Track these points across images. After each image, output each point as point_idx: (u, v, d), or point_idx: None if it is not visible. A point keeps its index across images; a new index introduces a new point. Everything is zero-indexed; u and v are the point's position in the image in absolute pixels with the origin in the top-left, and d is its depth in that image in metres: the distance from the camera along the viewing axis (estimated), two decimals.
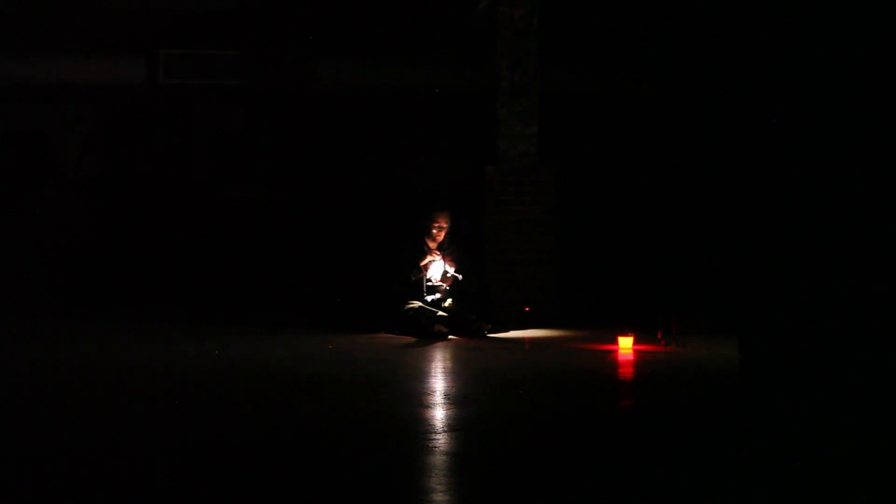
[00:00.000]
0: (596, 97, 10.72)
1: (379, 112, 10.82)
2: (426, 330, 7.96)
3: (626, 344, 7.20)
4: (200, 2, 10.72)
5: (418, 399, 5.34)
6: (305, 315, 9.43)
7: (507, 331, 8.48)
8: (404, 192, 10.49)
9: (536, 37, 9.38)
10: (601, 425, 4.85)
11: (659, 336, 7.73)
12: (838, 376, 4.35)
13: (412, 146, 10.81)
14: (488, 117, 9.67)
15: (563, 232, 9.43)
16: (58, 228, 10.41)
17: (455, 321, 8.12)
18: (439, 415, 4.95)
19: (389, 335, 8.15)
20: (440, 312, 8.15)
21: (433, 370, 6.53)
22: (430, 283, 8.28)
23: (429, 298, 8.27)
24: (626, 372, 6.46)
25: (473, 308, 8.29)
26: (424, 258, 8.30)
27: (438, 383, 5.99)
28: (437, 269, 8.29)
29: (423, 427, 4.66)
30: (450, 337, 8.01)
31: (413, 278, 8.29)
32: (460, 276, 8.27)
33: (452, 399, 5.36)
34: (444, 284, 8.26)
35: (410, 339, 7.88)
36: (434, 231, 8.39)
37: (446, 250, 8.38)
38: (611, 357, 6.97)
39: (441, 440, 4.36)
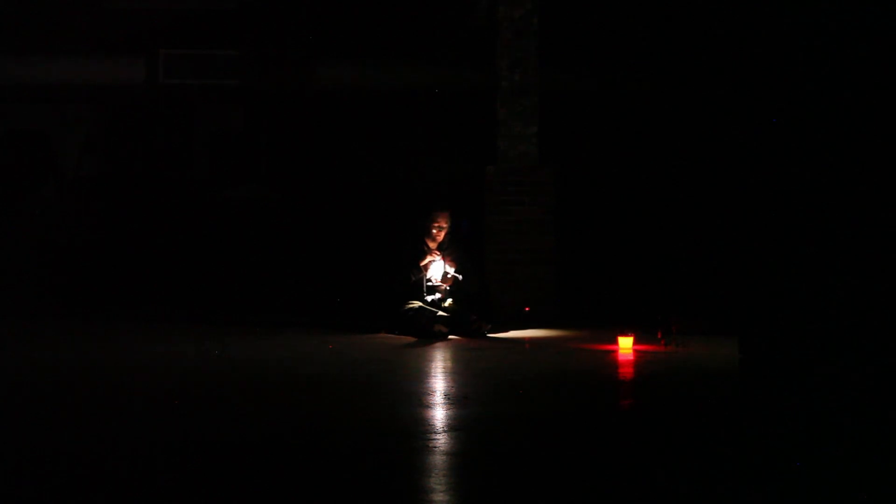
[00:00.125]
0: (596, 97, 10.71)
1: (379, 112, 10.81)
2: (426, 330, 7.95)
3: (626, 344, 7.20)
4: (200, 2, 10.72)
5: (418, 399, 5.34)
6: (305, 315, 9.43)
7: (507, 331, 8.48)
8: (404, 192, 10.49)
9: (536, 37, 9.38)
10: (601, 425, 4.85)
11: (659, 336, 7.73)
12: (838, 376, 4.35)
13: (412, 146, 10.81)
14: (488, 117, 9.67)
15: (563, 232, 9.43)
16: (58, 228, 10.41)
17: (455, 321, 8.12)
18: (439, 415, 4.95)
19: (389, 335, 8.15)
20: (440, 312, 8.15)
21: (433, 370, 6.53)
22: (430, 283, 8.28)
23: (429, 298, 8.27)
24: (626, 372, 6.46)
25: (473, 308, 8.29)
26: (424, 258, 8.30)
27: (438, 383, 5.99)
28: (437, 269, 8.29)
29: (423, 427, 4.65)
30: (450, 337, 8.01)
31: (413, 278, 8.29)
32: (460, 277, 8.27)
33: (452, 399, 5.36)
34: (444, 285, 8.26)
35: (410, 339, 7.88)
36: (434, 231, 8.39)
37: (446, 250, 8.38)
38: (611, 357, 6.96)
39: (441, 440, 4.36)
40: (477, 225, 9.54)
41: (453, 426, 4.67)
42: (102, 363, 6.73)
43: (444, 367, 6.65)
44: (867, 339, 4.24)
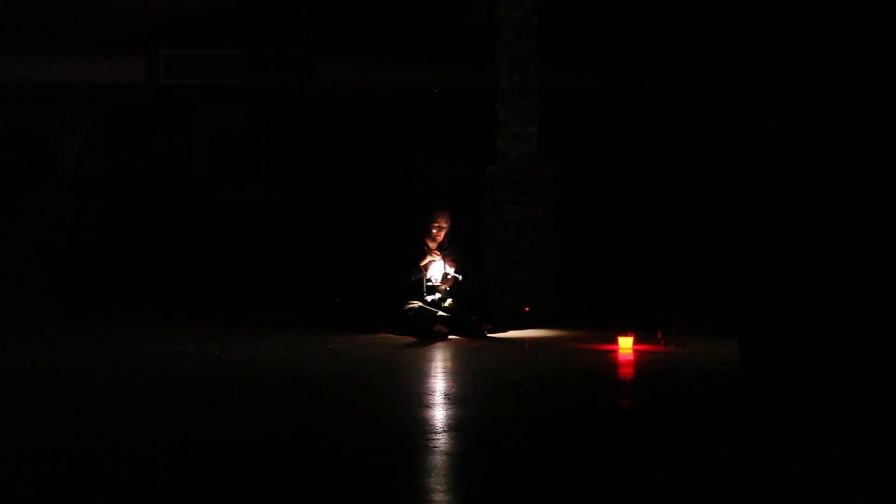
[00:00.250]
0: (596, 97, 10.71)
1: (379, 112, 10.81)
2: (426, 330, 7.96)
3: (626, 344, 7.20)
4: (200, 2, 10.72)
5: (418, 399, 5.34)
6: (305, 315, 9.43)
7: (506, 331, 8.48)
8: (404, 192, 10.49)
9: (536, 37, 9.39)
10: (601, 425, 4.85)
11: (659, 336, 7.73)
12: (838, 376, 4.35)
13: (412, 146, 10.81)
14: (488, 117, 9.67)
15: (563, 232, 9.43)
16: (58, 228, 10.41)
17: (455, 321, 8.12)
18: (439, 415, 4.95)
19: (389, 335, 8.15)
20: (440, 312, 8.15)
21: (433, 370, 6.53)
22: (430, 283, 8.28)
23: (429, 298, 8.27)
24: (626, 372, 6.46)
25: (473, 308, 8.29)
26: (424, 258, 8.30)
27: (438, 383, 5.99)
28: (437, 269, 8.29)
29: (423, 427, 4.65)
30: (450, 337, 8.01)
31: (413, 278, 8.29)
32: (460, 277, 8.27)
33: (452, 399, 5.36)
34: (445, 285, 8.26)
35: (410, 339, 7.88)
36: (434, 231, 8.39)
37: (446, 250, 8.38)
38: (611, 357, 6.96)
39: (441, 440, 4.36)
40: (477, 225, 9.54)
41: (453, 426, 4.67)
42: (102, 363, 6.73)
43: (444, 367, 6.65)
44: (867, 339, 4.24)
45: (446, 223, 8.42)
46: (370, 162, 10.82)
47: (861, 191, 4.28)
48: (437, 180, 10.48)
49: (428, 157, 10.75)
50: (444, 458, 4.09)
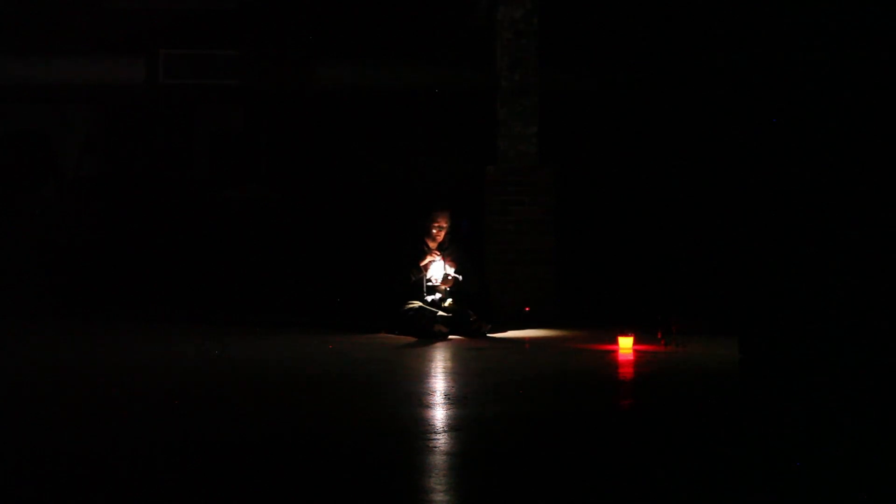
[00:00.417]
0: (596, 97, 10.71)
1: (379, 112, 10.81)
2: (426, 330, 7.96)
3: (626, 344, 7.20)
4: (200, 2, 10.72)
5: (418, 399, 5.34)
6: (305, 315, 9.43)
7: (506, 331, 8.48)
8: (404, 192, 10.49)
9: (536, 37, 9.38)
10: (601, 425, 4.85)
11: (659, 336, 7.73)
12: (838, 376, 4.35)
13: (412, 146, 10.81)
14: (488, 117, 9.67)
15: (563, 232, 9.43)
16: (58, 228, 10.41)
17: (455, 321, 8.12)
18: (439, 415, 4.95)
19: (389, 335, 8.15)
20: (440, 312, 8.15)
21: (433, 370, 6.53)
22: (430, 284, 8.28)
23: (429, 298, 8.27)
24: (626, 372, 6.46)
25: (473, 308, 8.29)
26: (424, 258, 8.30)
27: (438, 383, 5.99)
28: (437, 269, 8.29)
29: (423, 427, 4.65)
30: (450, 337, 8.01)
31: (413, 278, 8.29)
32: (460, 277, 8.26)
33: (452, 399, 5.36)
34: (445, 286, 8.25)
35: (410, 339, 7.88)
36: (434, 231, 8.39)
37: (446, 250, 8.38)
38: (611, 357, 6.96)
39: (441, 440, 4.36)
40: (477, 225, 9.54)
41: (453, 426, 4.67)
42: (102, 363, 6.73)
43: (444, 367, 6.65)
44: (867, 339, 4.24)
45: (446, 223, 8.42)
46: (370, 162, 10.82)
47: (861, 191, 4.28)
48: (437, 180, 10.48)
49: (428, 157, 10.75)
50: (444, 458, 4.09)
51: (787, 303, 4.61)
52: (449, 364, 6.80)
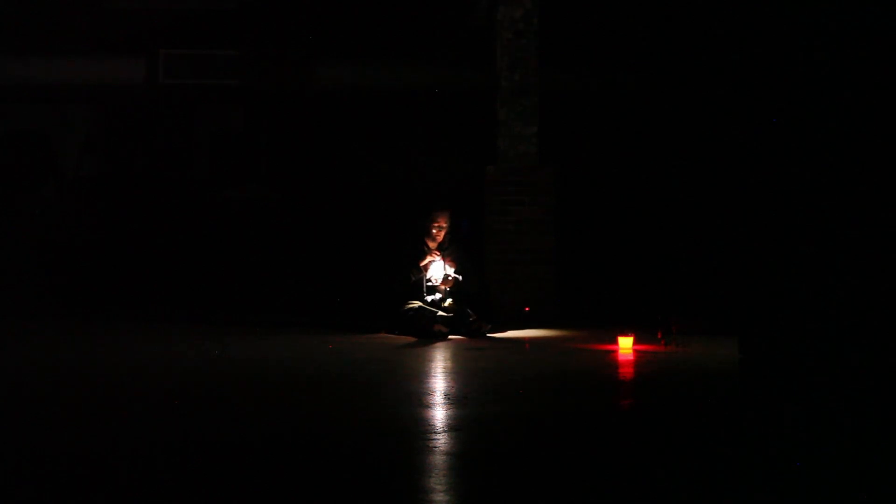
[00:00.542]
0: (596, 97, 10.71)
1: (379, 112, 10.82)
2: (426, 330, 7.96)
3: (626, 344, 7.20)
4: (200, 2, 10.72)
5: (418, 399, 5.34)
6: (305, 315, 9.43)
7: (506, 331, 8.48)
8: (404, 192, 10.49)
9: (536, 37, 9.38)
10: (601, 425, 4.85)
11: (659, 336, 7.73)
12: (838, 376, 4.35)
13: (412, 146, 10.81)
14: (488, 117, 9.67)
15: (563, 232, 9.43)
16: (58, 228, 10.41)
17: (455, 321, 8.12)
18: (439, 415, 4.95)
19: (389, 335, 8.15)
20: (440, 312, 8.15)
21: (433, 370, 6.53)
22: (429, 284, 8.28)
23: (429, 298, 8.27)
24: (626, 372, 6.46)
25: (473, 308, 8.29)
26: (424, 258, 8.30)
27: (438, 383, 5.99)
28: (436, 269, 8.29)
29: (423, 427, 4.65)
30: (450, 337, 8.01)
31: (413, 278, 8.29)
32: (460, 278, 8.26)
33: (452, 399, 5.36)
34: (445, 286, 8.25)
35: (410, 339, 7.88)
36: (434, 231, 8.39)
37: (446, 250, 8.38)
38: (611, 357, 6.96)
39: (441, 440, 4.36)
40: (477, 225, 9.54)
41: (453, 426, 4.67)
42: (102, 363, 6.73)
43: (444, 367, 6.65)
44: (867, 339, 4.24)
45: (446, 223, 8.42)
46: (370, 162, 10.82)
47: (861, 191, 4.28)
48: (437, 180, 10.48)
49: (428, 157, 10.75)
50: (444, 458, 4.09)
51: (787, 303, 4.61)
52: (449, 364, 6.80)
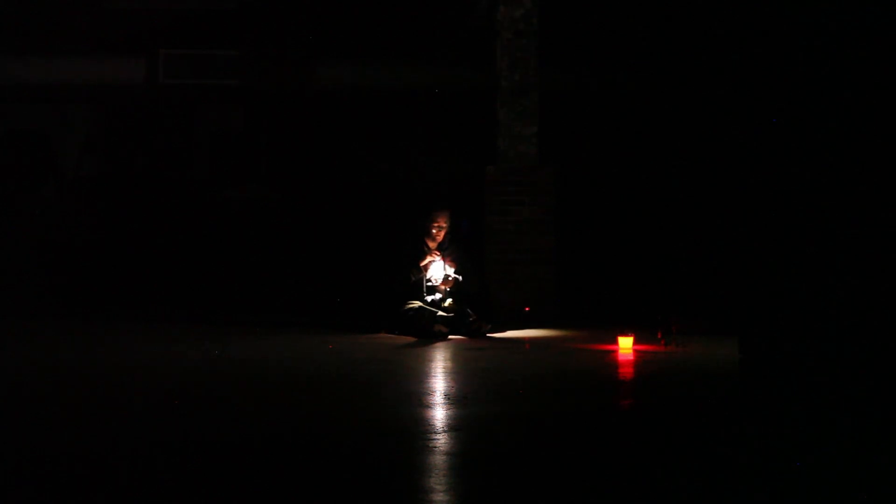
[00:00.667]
0: (596, 97, 10.71)
1: (379, 112, 10.81)
2: (426, 330, 7.96)
3: (626, 344, 7.20)
4: (200, 2, 10.72)
5: (418, 399, 5.34)
6: (305, 315, 9.43)
7: (506, 331, 8.48)
8: (404, 192, 10.49)
9: (536, 37, 9.38)
10: (601, 425, 4.85)
11: (659, 336, 7.73)
12: (838, 376, 4.35)
13: (412, 146, 10.81)
14: (488, 117, 9.66)
15: (563, 232, 9.42)
16: (58, 228, 10.41)
17: (455, 321, 8.12)
18: (439, 415, 4.95)
19: (389, 335, 8.15)
20: (440, 312, 8.15)
21: (433, 370, 6.53)
22: (430, 284, 8.28)
23: (429, 298, 8.27)
24: (626, 372, 6.46)
25: (473, 308, 8.29)
26: (424, 258, 8.30)
27: (438, 383, 5.99)
28: (436, 269, 8.29)
29: (423, 427, 4.65)
30: (450, 337, 8.01)
31: (413, 278, 8.29)
32: (460, 278, 8.26)
33: (452, 399, 5.36)
34: (445, 286, 8.25)
35: (410, 339, 7.88)
36: (434, 231, 8.39)
37: (446, 250, 8.38)
38: (611, 357, 6.96)
39: (441, 440, 4.36)
40: (477, 225, 9.54)
41: (453, 426, 4.67)
42: (102, 363, 6.73)
43: (444, 367, 6.65)
44: (867, 339, 4.24)
45: (446, 223, 8.42)
46: (370, 162, 10.82)
47: (861, 191, 4.28)
48: (437, 180, 10.48)
49: (428, 157, 10.75)
50: (444, 458, 4.09)
51: (787, 303, 4.60)
52: (449, 364, 6.80)
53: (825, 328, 4.40)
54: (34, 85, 10.48)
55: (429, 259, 8.29)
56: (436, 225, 8.38)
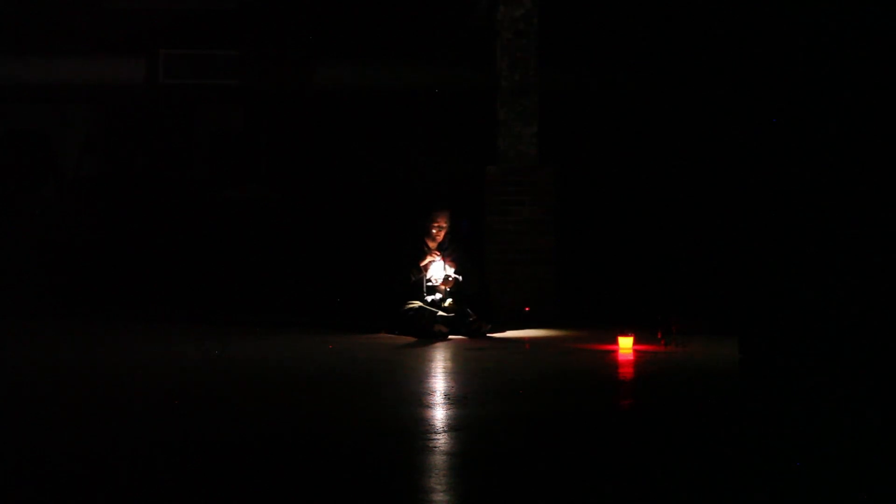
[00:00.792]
0: (596, 97, 10.71)
1: (379, 112, 10.81)
2: (426, 330, 7.96)
3: (626, 344, 7.20)
4: (200, 2, 10.72)
5: (418, 399, 5.34)
6: (305, 315, 9.43)
7: (506, 331, 8.48)
8: (404, 192, 10.49)
9: (536, 37, 9.38)
10: (601, 425, 4.85)
11: (659, 336, 7.73)
12: (838, 376, 4.35)
13: (412, 146, 10.81)
14: (488, 117, 9.66)
15: (563, 232, 9.42)
16: (58, 228, 10.41)
17: (455, 321, 8.12)
18: (439, 415, 4.95)
19: (389, 335, 8.15)
20: (440, 312, 8.15)
21: (433, 370, 6.53)
22: (430, 284, 8.28)
23: (429, 298, 8.27)
24: (626, 372, 6.46)
25: (473, 308, 8.29)
26: (424, 258, 8.30)
27: (438, 383, 5.99)
28: (436, 269, 8.29)
29: (423, 427, 4.66)
30: (450, 337, 8.01)
31: (413, 278, 8.29)
32: (460, 278, 8.26)
33: (452, 399, 5.36)
34: (445, 286, 8.25)
35: (410, 339, 7.88)
36: (434, 231, 8.39)
37: (446, 250, 8.38)
38: (611, 357, 6.97)
39: (441, 440, 4.36)
40: (477, 225, 9.54)
41: (453, 426, 4.67)
42: (102, 363, 6.73)
43: (444, 367, 6.65)
44: (867, 339, 4.24)
45: (446, 223, 8.42)
46: (370, 162, 10.82)
47: (861, 191, 4.28)
48: (437, 180, 10.48)
49: (428, 157, 10.75)
50: (444, 458, 4.09)
51: (787, 303, 4.60)
52: (449, 364, 6.80)
53: (825, 328, 4.40)
54: (34, 85, 10.47)
55: (429, 259, 8.29)
56: (436, 225, 8.38)
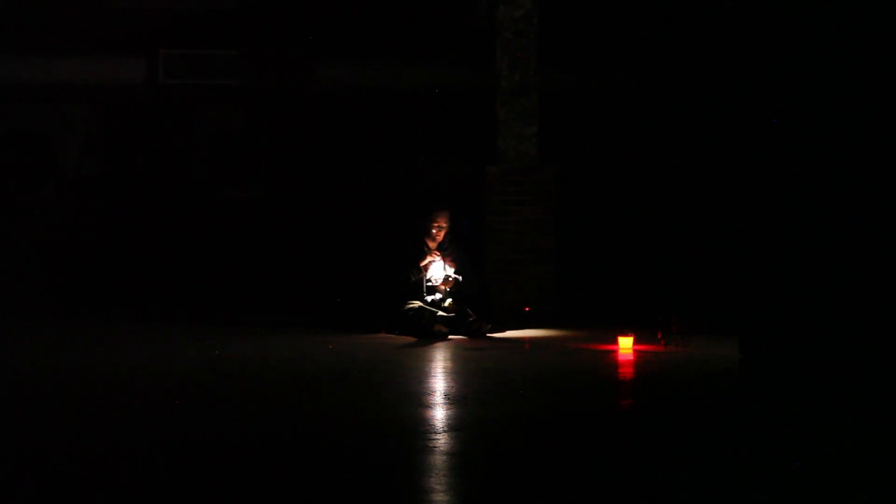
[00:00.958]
0: (596, 97, 10.71)
1: (379, 112, 10.81)
2: (426, 330, 7.96)
3: (626, 344, 7.20)
4: (200, 2, 10.72)
5: (418, 399, 5.34)
6: (305, 315, 9.43)
7: (506, 331, 8.48)
8: (404, 192, 10.49)
9: (536, 37, 9.39)
10: (601, 425, 4.85)
11: (659, 336, 7.73)
12: (838, 376, 4.35)
13: (412, 146, 10.81)
14: (488, 117, 9.67)
15: (563, 232, 9.43)
16: (58, 228, 10.41)
17: (455, 321, 8.12)
18: (439, 415, 4.95)
19: (389, 335, 8.15)
20: (440, 312, 8.15)
21: (433, 370, 6.53)
22: (430, 284, 8.28)
23: (429, 298, 8.27)
24: (626, 372, 6.46)
25: (473, 308, 8.29)
26: (424, 258, 8.30)
27: (438, 383, 5.99)
28: (436, 269, 8.29)
29: (423, 427, 4.66)
30: (450, 337, 8.01)
31: (413, 278, 8.29)
32: (460, 278, 8.26)
33: (452, 399, 5.36)
34: (445, 286, 8.25)
35: (410, 339, 7.88)
36: (434, 231, 8.39)
37: (446, 250, 8.38)
38: (611, 357, 6.97)
39: (441, 440, 4.36)
40: (477, 225, 9.54)
41: (453, 426, 4.67)
42: (102, 363, 6.73)
43: (444, 367, 6.65)
44: (867, 339, 4.24)
45: (446, 223, 8.42)
46: (370, 162, 10.82)
47: (861, 191, 4.28)
48: (437, 180, 10.48)
49: (428, 157, 10.75)
50: (444, 458, 4.09)
51: (787, 303, 4.61)
52: (449, 364, 6.80)
53: (825, 328, 4.40)
54: (34, 85, 10.47)
55: (429, 259, 8.29)
56: (436, 225, 8.38)
